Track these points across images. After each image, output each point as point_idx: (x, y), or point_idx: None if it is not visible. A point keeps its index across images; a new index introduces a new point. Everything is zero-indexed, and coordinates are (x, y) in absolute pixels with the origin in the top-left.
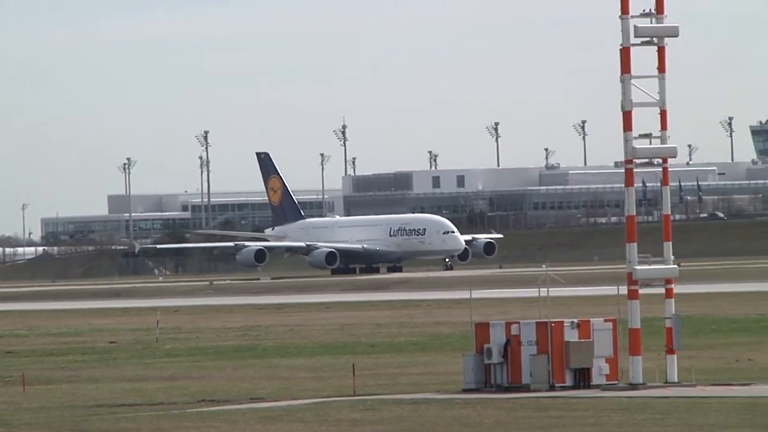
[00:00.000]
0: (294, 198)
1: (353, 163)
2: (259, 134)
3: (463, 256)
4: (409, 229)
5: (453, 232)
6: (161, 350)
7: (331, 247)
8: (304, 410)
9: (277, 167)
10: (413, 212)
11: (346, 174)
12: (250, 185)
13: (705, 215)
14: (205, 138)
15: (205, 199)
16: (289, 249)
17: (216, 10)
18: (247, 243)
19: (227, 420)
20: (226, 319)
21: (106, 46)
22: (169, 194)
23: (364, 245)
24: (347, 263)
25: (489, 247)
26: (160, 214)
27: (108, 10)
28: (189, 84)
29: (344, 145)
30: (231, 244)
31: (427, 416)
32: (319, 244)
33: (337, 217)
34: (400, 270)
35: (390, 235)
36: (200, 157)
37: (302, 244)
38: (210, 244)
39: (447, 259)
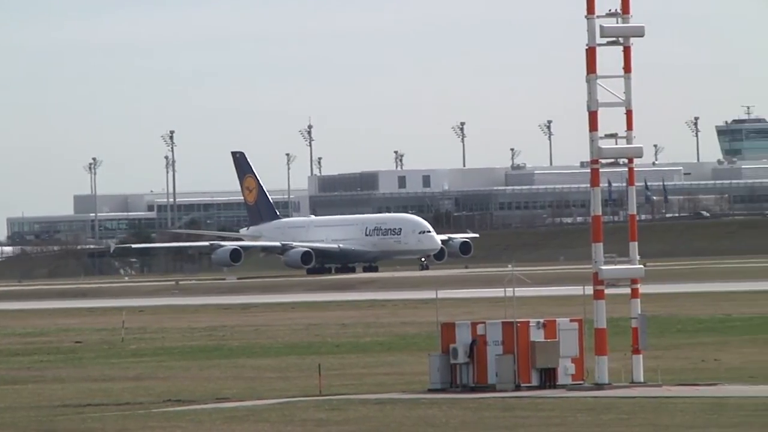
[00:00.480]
0: (269, 197)
1: (319, 163)
2: (224, 134)
3: (439, 255)
4: (385, 229)
5: (429, 231)
6: (127, 350)
7: (306, 247)
8: (269, 410)
9: (252, 167)
10: (379, 212)
11: (311, 174)
12: (216, 185)
13: (690, 214)
14: (171, 138)
15: (171, 199)
16: (264, 249)
17: (182, 11)
18: (222, 243)
19: (193, 420)
20: (191, 320)
21: (72, 46)
22: (134, 194)
23: (340, 245)
24: (323, 263)
25: (465, 246)
26: (125, 214)
27: (73, 10)
28: (155, 84)
29: (310, 145)
30: (206, 243)
31: (392, 416)
32: (295, 243)
33: (313, 216)
34: (376, 270)
35: (366, 235)
36: (166, 157)
37: (278, 243)
38: (183, 244)
39: (423, 259)
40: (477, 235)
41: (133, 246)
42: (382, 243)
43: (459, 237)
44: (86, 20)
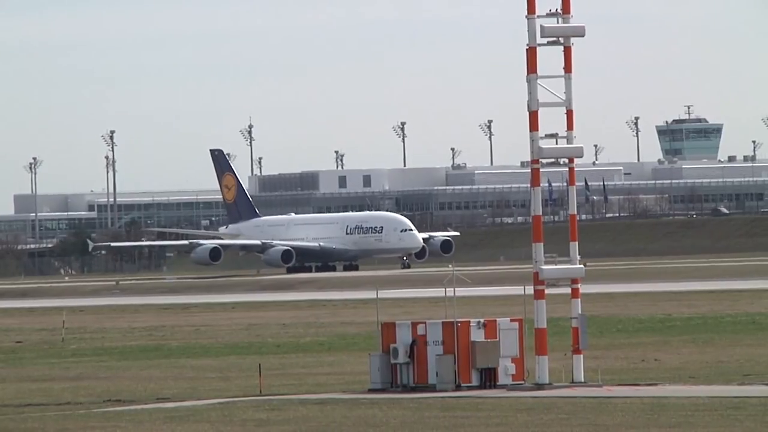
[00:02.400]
0: (248, 195)
1: (259, 162)
2: (165, 134)
3: (420, 254)
4: (367, 227)
5: (411, 230)
6: (67, 350)
7: (287, 246)
8: (210, 410)
9: (231, 164)
10: (320, 212)
11: (252, 174)
12: (156, 185)
13: (695, 213)
14: (111, 138)
15: (111, 199)
16: (244, 247)
17: (118, 8)
18: (201, 241)
19: (133, 420)
20: (131, 319)
21: (12, 45)
22: (75, 194)
23: (321, 243)
24: (303, 262)
25: (446, 245)
26: (66, 213)
27: (12, 9)
28: (95, 84)
29: (250, 145)
30: (185, 242)
31: (333, 416)
32: (275, 242)
33: (293, 215)
34: (356, 268)
35: (347, 233)
36: (106, 157)
37: (257, 242)
38: (164, 242)
39: (405, 258)
40: (458, 234)
41: (112, 244)
42: (363, 241)
43: (440, 235)
44: (26, 18)
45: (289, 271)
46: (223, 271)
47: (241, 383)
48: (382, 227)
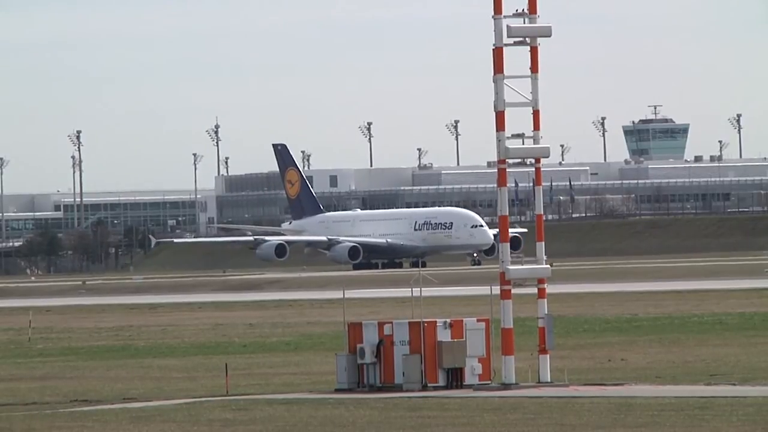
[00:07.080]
0: (312, 191)
1: (226, 162)
2: (132, 134)
3: (490, 251)
4: (435, 223)
5: (481, 226)
6: (33, 350)
7: (353, 242)
8: (176, 410)
9: (294, 159)
10: (286, 213)
11: (219, 174)
12: (122, 185)
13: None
14: (78, 138)
15: (78, 199)
16: (309, 244)
17: (89, 9)
18: (267, 237)
19: (99, 420)
20: (98, 319)
21: None
22: (41, 194)
23: (388, 239)
24: (369, 258)
25: (515, 241)
26: (32, 214)
27: None
28: (62, 83)
29: (217, 145)
30: (251, 237)
31: (299, 416)
32: (341, 238)
33: (358, 210)
34: (423, 265)
35: (415, 229)
36: (72, 157)
37: (324, 238)
38: (227, 239)
39: (475, 254)
40: (526, 230)
41: (176, 240)
42: (432, 238)
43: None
44: None
45: (356, 267)
46: (286, 267)
47: (207, 383)
48: (451, 223)
